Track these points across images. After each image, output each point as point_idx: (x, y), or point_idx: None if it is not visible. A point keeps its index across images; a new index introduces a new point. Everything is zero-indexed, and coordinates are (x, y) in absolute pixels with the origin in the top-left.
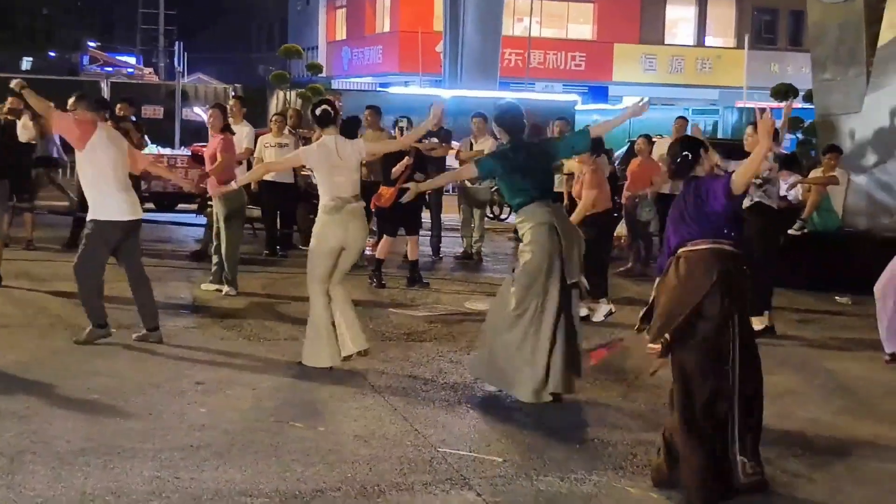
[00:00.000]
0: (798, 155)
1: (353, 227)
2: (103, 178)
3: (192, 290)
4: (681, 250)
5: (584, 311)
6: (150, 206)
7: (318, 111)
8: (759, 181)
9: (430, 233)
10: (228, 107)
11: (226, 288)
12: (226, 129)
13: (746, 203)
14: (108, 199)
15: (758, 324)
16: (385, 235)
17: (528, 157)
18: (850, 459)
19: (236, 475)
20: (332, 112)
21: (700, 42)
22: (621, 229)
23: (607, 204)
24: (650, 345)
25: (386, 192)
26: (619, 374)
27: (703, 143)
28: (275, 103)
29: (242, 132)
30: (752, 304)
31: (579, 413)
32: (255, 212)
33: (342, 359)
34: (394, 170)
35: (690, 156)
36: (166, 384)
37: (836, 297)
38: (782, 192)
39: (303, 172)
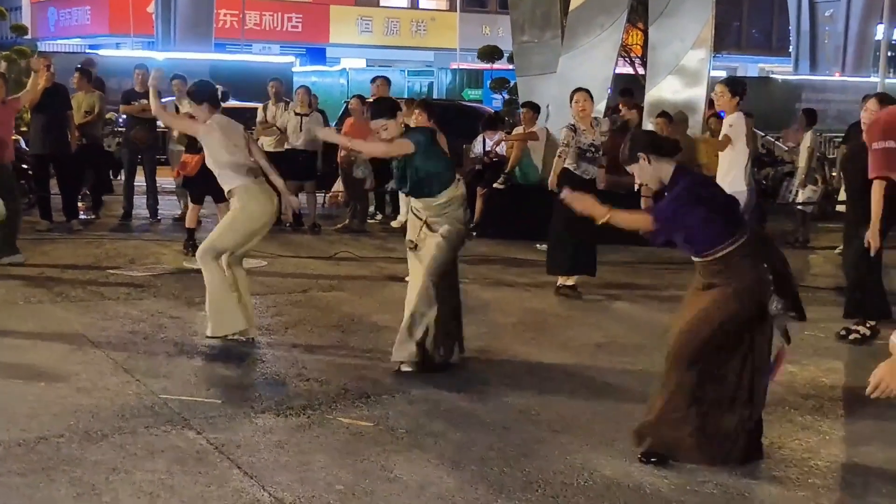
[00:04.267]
0: (504, 114)
1: (275, 198)
2: None
3: None
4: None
5: None
6: None
7: (207, 93)
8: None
9: (145, 196)
10: None
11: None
12: None
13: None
14: None
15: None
16: (192, 204)
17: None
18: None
19: None
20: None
21: (414, 5)
22: (338, 186)
23: None
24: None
25: (191, 161)
26: (334, 321)
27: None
28: None
29: None
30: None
31: (294, 358)
32: None
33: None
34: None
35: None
36: None
37: (537, 245)
38: (488, 148)
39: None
